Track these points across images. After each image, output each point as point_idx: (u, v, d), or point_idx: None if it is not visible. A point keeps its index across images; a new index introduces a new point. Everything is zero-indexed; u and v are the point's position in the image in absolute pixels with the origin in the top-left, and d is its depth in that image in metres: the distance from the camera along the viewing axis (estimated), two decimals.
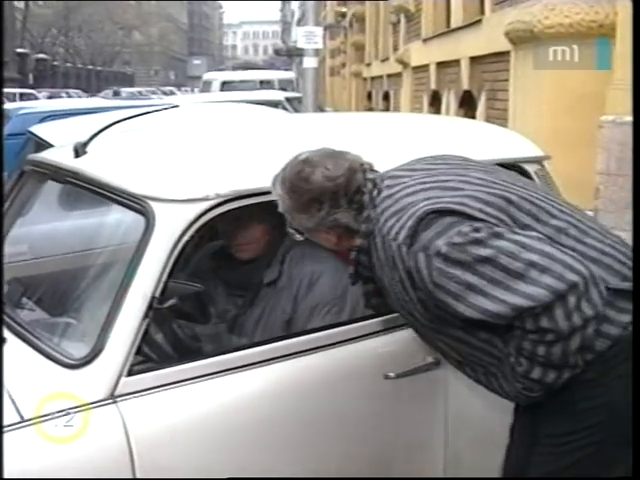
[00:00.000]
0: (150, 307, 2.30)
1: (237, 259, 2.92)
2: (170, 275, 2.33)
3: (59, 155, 2.99)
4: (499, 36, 8.13)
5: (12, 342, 2.42)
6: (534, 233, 2.04)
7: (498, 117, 8.65)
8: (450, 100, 11.21)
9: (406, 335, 2.68)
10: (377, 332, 2.69)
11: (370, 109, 22.25)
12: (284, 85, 22.88)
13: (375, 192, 2.20)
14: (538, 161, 3.30)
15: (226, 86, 20.67)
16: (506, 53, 8.22)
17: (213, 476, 2.34)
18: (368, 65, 23.86)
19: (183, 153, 2.81)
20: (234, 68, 68.22)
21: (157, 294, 2.31)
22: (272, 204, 2.33)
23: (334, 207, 2.20)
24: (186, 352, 2.42)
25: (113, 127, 2.85)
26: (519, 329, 2.00)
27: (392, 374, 2.64)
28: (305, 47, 7.98)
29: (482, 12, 10.23)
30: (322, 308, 2.76)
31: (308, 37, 7.96)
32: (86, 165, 2.71)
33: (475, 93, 9.88)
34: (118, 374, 2.27)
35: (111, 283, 2.44)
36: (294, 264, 2.84)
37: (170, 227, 2.35)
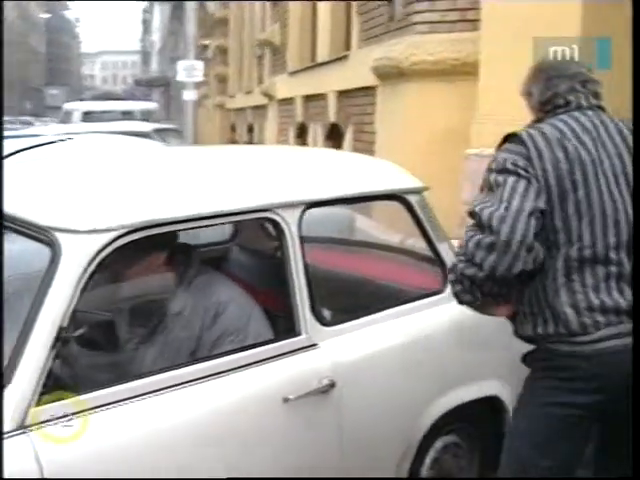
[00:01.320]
0: (58, 337, 2.33)
1: (141, 288, 2.98)
2: (77, 304, 2.37)
3: None
4: (366, 71, 8.42)
5: None
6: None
7: (365, 149, 8.91)
8: (317, 133, 11.46)
9: (304, 358, 2.83)
10: (277, 356, 2.81)
11: (234, 141, 22.37)
12: (146, 115, 22.62)
13: None
14: (418, 192, 3.51)
15: (87, 116, 20.35)
16: (372, 88, 8.51)
17: None
18: (232, 97, 24.02)
19: (83, 184, 2.86)
20: (94, 98, 67.00)
21: (65, 324, 2.34)
22: (174, 234, 2.42)
23: None
24: (94, 380, 2.46)
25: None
26: None
27: (291, 396, 2.76)
28: (185, 80, 8.11)
29: (348, 48, 10.56)
30: (226, 337, 2.86)
31: (188, 71, 8.10)
32: None
33: (342, 126, 10.15)
34: (27, 404, 2.29)
35: (16, 314, 2.44)
36: (200, 294, 2.92)
37: (76, 257, 2.41)
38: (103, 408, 2.40)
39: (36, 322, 2.33)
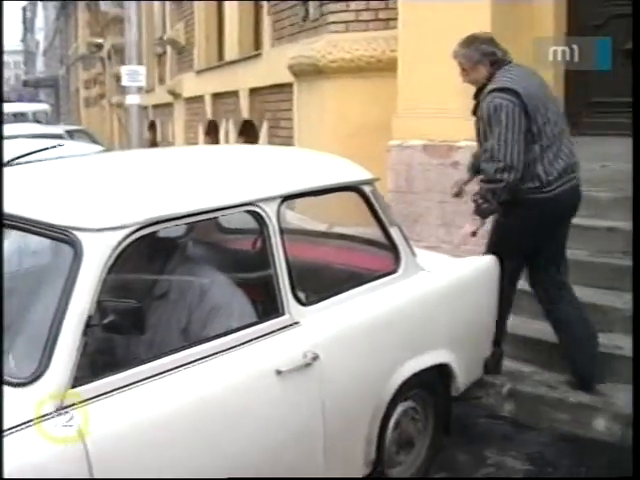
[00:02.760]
0: (87, 325, 2.58)
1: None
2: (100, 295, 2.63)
3: None
4: (280, 69, 8.80)
5: None
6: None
7: (282, 144, 9.30)
8: (229, 129, 11.76)
9: (289, 335, 3.19)
10: (267, 334, 3.14)
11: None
12: (39, 117, 22.42)
13: None
14: (371, 182, 3.89)
15: None
16: (287, 85, 8.89)
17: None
18: None
19: (91, 185, 3.13)
20: None
21: (92, 313, 2.59)
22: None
23: None
24: (119, 362, 2.74)
25: None
26: None
27: (284, 369, 3.09)
28: (128, 85, 8.31)
29: (258, 47, 10.91)
30: (217, 310, 3.18)
31: (131, 75, 8.31)
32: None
33: (256, 122, 10.49)
34: (64, 388, 2.52)
35: (45, 308, 2.67)
36: (185, 277, 3.23)
37: (97, 253, 2.65)
38: (128, 388, 2.67)
39: (67, 313, 2.57)
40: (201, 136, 13.65)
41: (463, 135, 6.09)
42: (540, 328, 5.01)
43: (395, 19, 7.20)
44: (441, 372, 4.03)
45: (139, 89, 8.42)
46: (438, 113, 6.19)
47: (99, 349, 2.74)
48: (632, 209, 4.94)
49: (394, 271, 3.83)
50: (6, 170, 3.10)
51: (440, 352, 3.99)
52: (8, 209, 2.87)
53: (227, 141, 11.91)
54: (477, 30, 5.48)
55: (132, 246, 2.77)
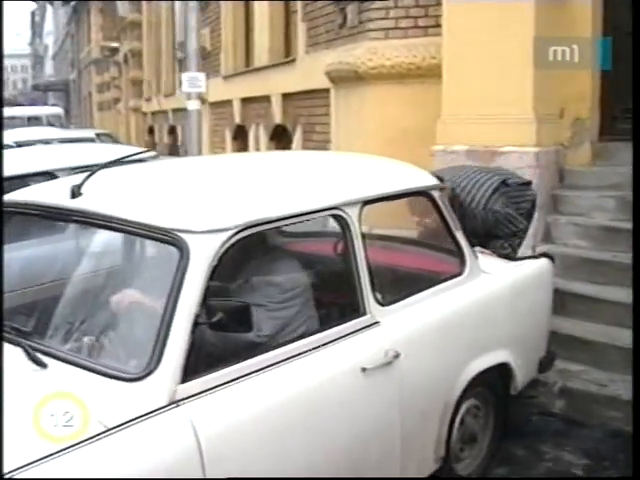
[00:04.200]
0: (196, 324, 2.71)
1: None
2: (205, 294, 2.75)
3: (51, 196, 3.32)
4: (315, 74, 8.97)
5: (62, 368, 2.71)
6: None
7: (316, 148, 9.47)
8: (259, 133, 11.92)
9: (371, 334, 3.33)
10: (351, 333, 3.27)
11: (154, 143, 22.50)
12: (53, 120, 22.56)
13: None
14: (439, 188, 4.04)
15: None
16: (323, 90, 9.04)
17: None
18: (148, 100, 24.14)
19: (188, 188, 3.29)
20: None
21: (198, 311, 2.71)
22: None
23: None
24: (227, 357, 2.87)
25: None
26: None
27: (369, 366, 3.22)
28: (189, 91, 8.52)
29: (288, 52, 11.11)
30: (304, 311, 3.38)
31: (191, 81, 8.54)
32: (93, 204, 3.08)
33: (289, 127, 10.65)
34: (176, 382, 2.64)
35: (153, 307, 2.83)
36: (274, 281, 3.38)
37: (203, 255, 2.78)
38: (237, 381, 2.81)
39: (176, 313, 2.68)
40: (229, 140, 13.81)
41: (506, 141, 6.27)
42: (591, 330, 5.14)
43: (434, 27, 7.39)
44: (501, 371, 4.17)
45: (198, 95, 8.60)
46: (482, 119, 6.34)
47: (206, 346, 2.87)
48: (632, 209, 5.10)
49: (460, 274, 3.97)
50: (102, 173, 3.23)
51: (501, 352, 4.13)
52: (111, 211, 3.02)
53: (257, 145, 12.06)
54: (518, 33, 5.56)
55: (233, 247, 2.91)
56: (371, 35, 7.75)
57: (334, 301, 3.55)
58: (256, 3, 12.15)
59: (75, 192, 3.13)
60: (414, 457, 3.63)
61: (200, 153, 9.22)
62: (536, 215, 5.15)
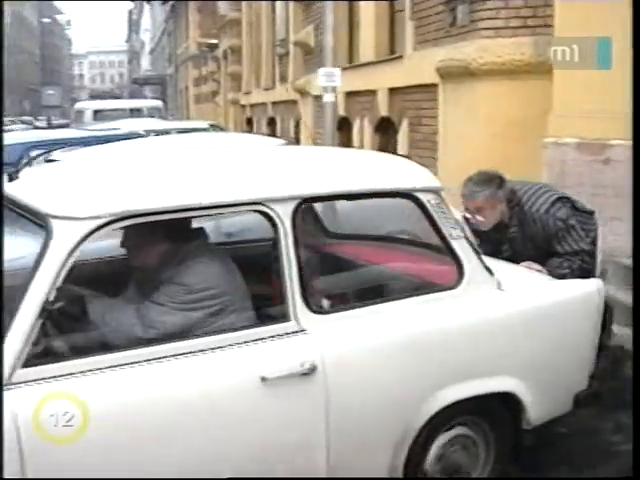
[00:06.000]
0: (44, 309, 2.66)
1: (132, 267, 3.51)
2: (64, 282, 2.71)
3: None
4: (423, 70, 9.46)
5: None
6: None
7: (424, 140, 9.97)
8: (364, 125, 12.42)
9: (296, 341, 3.11)
10: (264, 338, 3.07)
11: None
12: (152, 112, 23.28)
13: None
14: (433, 191, 3.55)
15: (98, 115, 21.26)
16: (431, 85, 9.48)
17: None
18: (247, 93, 24.99)
19: (92, 177, 3.26)
20: (92, 97, 67.46)
21: (51, 298, 2.68)
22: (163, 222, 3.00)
23: None
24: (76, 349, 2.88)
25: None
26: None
27: (270, 376, 2.98)
28: (325, 85, 9.28)
29: (393, 49, 11.62)
30: (211, 306, 3.24)
31: (328, 76, 9.28)
32: (10, 187, 3.18)
33: (395, 119, 11.13)
34: (13, 366, 2.62)
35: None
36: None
37: (64, 240, 2.74)
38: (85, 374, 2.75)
39: (25, 295, 2.66)
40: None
41: (616, 134, 6.60)
42: None
43: (541, 26, 7.78)
44: (507, 401, 3.68)
45: (333, 88, 9.36)
46: (592, 112, 6.68)
47: (57, 332, 2.87)
48: (632, 209, 5.29)
49: (452, 287, 3.52)
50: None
51: (503, 380, 3.62)
52: (12, 193, 3.12)
53: (361, 136, 12.56)
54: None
55: (104, 235, 2.88)
56: (482, 34, 8.17)
57: (257, 305, 3.32)
58: (362, 3, 12.64)
59: (12, 177, 3.24)
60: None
61: (333, 144, 9.74)
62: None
